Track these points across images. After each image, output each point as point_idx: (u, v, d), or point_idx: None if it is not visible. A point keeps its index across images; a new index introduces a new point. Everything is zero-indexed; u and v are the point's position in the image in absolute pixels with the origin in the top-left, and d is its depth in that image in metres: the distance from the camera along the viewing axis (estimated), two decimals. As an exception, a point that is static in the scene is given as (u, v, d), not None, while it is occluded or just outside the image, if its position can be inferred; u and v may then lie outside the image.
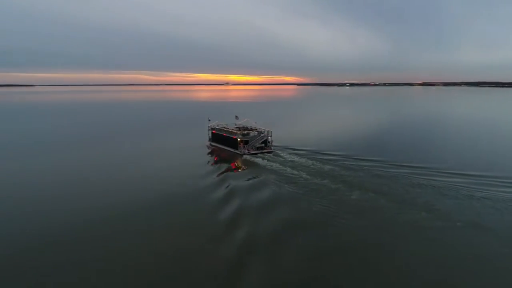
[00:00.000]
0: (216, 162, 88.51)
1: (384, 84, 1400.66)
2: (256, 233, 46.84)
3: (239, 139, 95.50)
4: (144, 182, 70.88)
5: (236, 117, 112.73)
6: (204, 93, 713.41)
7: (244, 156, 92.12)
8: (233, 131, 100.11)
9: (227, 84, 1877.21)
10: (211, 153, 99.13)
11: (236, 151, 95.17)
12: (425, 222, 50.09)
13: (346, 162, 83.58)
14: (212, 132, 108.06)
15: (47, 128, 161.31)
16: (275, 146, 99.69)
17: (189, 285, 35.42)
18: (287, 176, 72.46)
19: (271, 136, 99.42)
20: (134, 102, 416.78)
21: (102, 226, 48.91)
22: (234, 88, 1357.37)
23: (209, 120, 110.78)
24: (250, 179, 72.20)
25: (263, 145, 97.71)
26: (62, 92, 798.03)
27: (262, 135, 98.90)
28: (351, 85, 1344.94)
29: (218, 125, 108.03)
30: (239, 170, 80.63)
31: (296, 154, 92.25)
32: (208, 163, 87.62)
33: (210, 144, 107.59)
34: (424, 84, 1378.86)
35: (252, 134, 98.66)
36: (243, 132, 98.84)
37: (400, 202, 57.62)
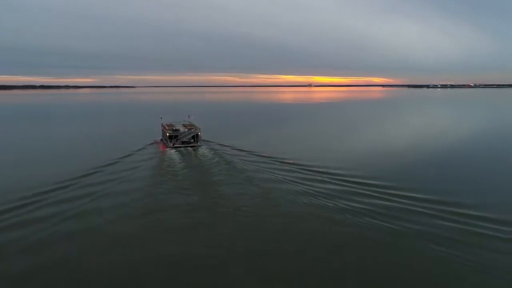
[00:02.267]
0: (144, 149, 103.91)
1: (485, 86, 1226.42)
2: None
3: (168, 134, 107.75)
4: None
5: (189, 116, 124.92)
6: (281, 95, 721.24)
7: (168, 148, 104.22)
8: (167, 127, 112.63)
9: (309, 85, 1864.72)
10: (154, 143, 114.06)
11: (167, 144, 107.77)
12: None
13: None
14: (161, 128, 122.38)
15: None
16: (205, 140, 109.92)
17: None
18: (166, 171, 79.16)
19: (200, 132, 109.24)
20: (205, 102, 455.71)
21: None
22: (316, 90, 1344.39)
23: (161, 118, 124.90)
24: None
25: (192, 140, 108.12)
26: (157, 93, 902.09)
27: (191, 131, 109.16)
28: (444, 86, 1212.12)
29: (164, 123, 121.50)
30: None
31: (214, 149, 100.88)
32: (140, 149, 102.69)
33: (160, 139, 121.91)
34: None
35: (182, 130, 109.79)
36: (174, 128, 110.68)
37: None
